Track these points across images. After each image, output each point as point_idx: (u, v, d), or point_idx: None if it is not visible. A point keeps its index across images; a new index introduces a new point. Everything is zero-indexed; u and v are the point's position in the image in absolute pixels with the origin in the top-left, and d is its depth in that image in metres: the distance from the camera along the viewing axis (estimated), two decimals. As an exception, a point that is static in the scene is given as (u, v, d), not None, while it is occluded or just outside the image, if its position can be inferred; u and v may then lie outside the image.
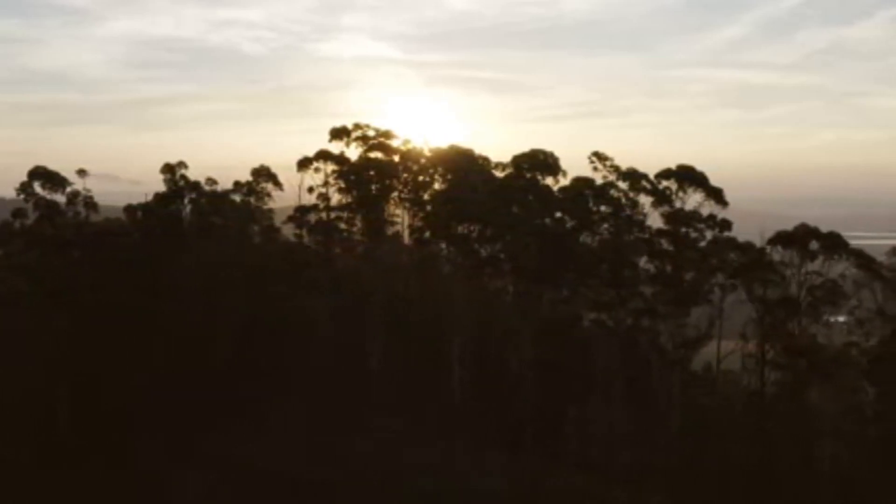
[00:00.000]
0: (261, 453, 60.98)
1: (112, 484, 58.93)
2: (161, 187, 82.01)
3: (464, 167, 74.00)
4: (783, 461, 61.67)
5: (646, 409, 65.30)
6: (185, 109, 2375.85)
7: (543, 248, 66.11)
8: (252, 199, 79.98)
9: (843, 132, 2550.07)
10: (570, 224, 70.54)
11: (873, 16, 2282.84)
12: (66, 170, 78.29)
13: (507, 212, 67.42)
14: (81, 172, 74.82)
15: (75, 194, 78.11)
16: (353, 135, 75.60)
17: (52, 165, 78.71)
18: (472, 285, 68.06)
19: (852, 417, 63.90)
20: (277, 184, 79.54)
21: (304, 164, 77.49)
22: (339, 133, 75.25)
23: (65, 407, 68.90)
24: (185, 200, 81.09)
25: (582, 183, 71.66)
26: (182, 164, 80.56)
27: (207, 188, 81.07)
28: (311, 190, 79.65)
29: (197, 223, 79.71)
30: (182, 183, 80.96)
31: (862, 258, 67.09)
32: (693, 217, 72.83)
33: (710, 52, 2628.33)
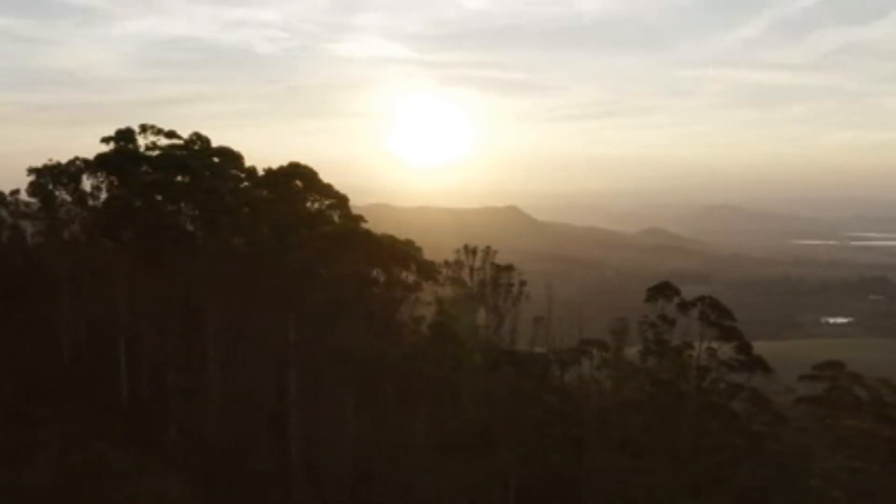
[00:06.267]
0: None
1: None
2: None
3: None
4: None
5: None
6: (198, 109, 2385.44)
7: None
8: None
9: (858, 132, 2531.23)
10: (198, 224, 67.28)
11: (888, 15, 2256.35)
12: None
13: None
14: None
15: None
16: (140, 136, 72.37)
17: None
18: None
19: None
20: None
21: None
22: (123, 135, 72.35)
23: None
24: None
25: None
26: None
27: None
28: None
29: None
30: None
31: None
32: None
33: (726, 52, 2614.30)
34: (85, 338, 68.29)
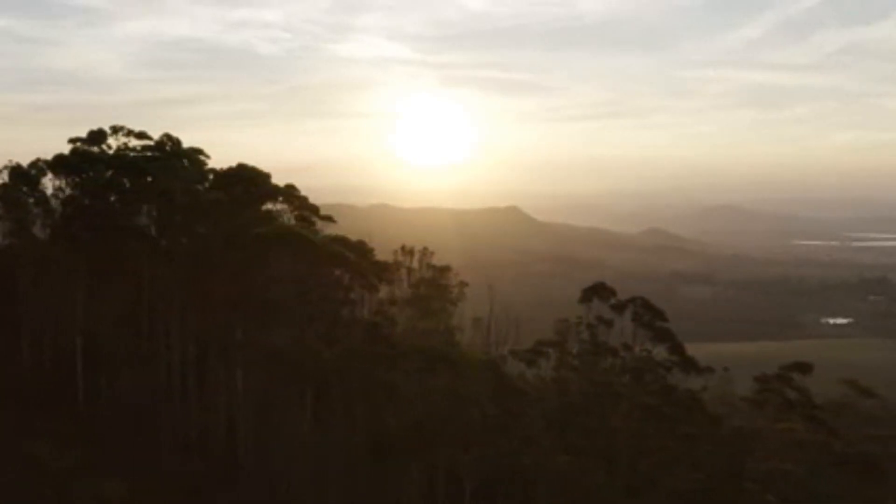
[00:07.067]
0: None
1: None
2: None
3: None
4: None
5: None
6: (200, 110, 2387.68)
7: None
8: None
9: (861, 133, 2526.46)
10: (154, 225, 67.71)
11: (891, 16, 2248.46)
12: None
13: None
14: None
15: None
16: (112, 137, 71.92)
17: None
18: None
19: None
20: None
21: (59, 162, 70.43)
22: (95, 136, 72.15)
23: None
24: None
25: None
26: None
27: None
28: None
29: None
30: None
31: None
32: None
33: (728, 53, 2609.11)
34: (48, 339, 68.04)
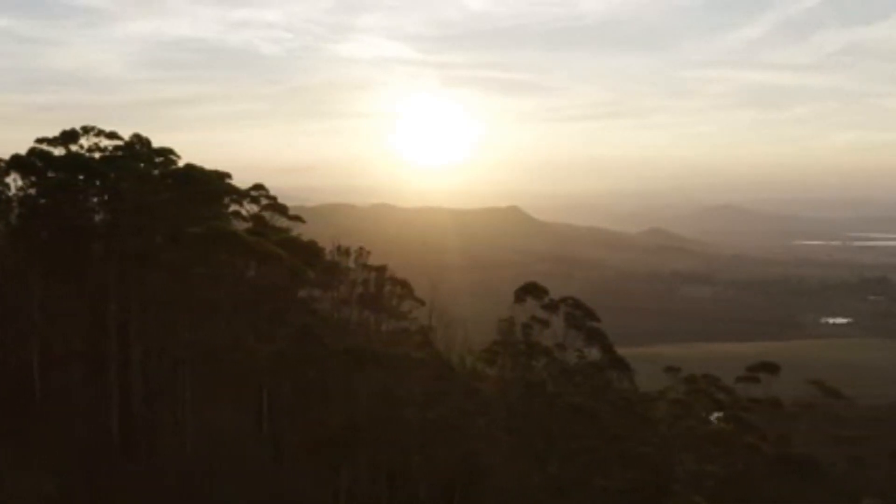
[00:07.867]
0: None
1: None
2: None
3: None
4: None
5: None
6: (202, 110, 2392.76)
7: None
8: None
9: (862, 133, 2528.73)
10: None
11: (891, 16, 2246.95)
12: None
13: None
14: None
15: None
16: (83, 137, 71.72)
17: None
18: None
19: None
20: None
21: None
22: (67, 135, 71.97)
23: None
24: None
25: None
26: None
27: None
28: None
29: None
30: None
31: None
32: None
33: (729, 53, 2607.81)
34: (9, 338, 67.99)
